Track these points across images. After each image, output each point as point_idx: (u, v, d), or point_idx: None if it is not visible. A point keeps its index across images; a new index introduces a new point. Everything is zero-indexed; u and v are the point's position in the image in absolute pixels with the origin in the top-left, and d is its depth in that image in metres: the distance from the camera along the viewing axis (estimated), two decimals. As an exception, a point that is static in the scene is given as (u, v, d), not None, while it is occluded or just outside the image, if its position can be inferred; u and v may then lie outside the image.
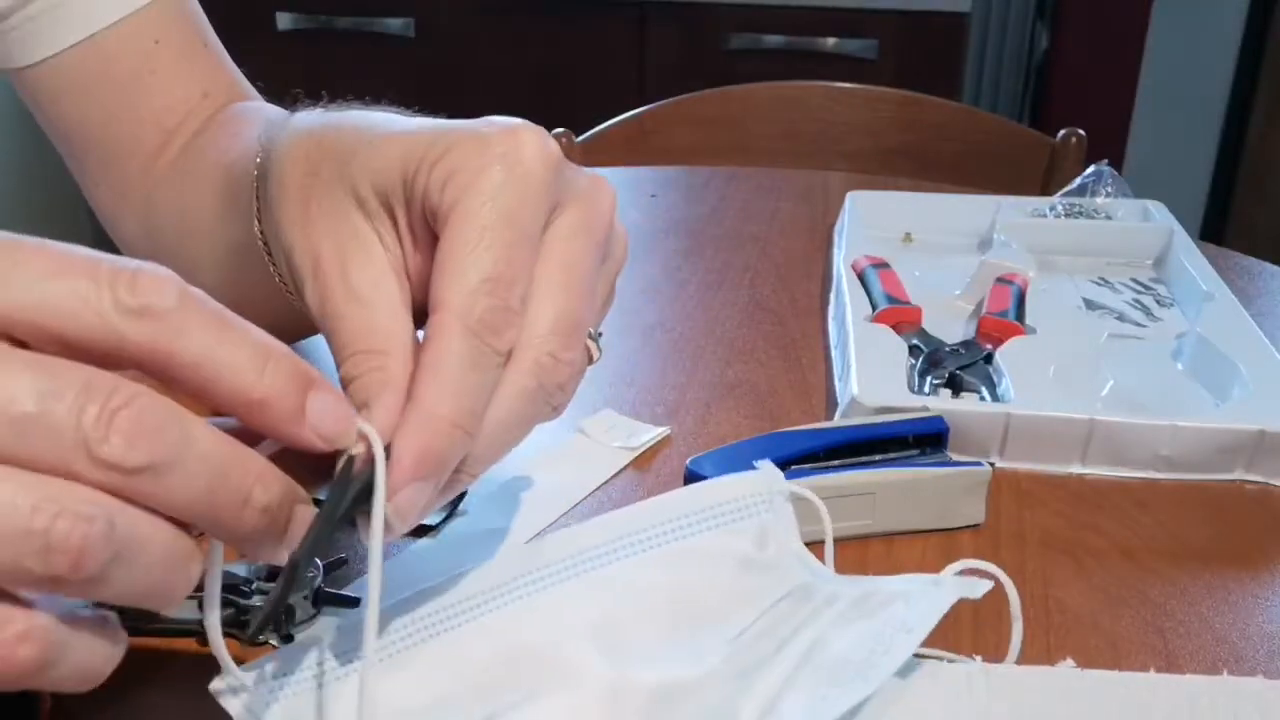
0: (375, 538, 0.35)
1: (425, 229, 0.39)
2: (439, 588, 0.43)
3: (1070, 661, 0.45)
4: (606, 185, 0.41)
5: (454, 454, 0.36)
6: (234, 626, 0.45)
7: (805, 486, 0.51)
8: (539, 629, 0.42)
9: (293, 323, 0.55)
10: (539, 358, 0.38)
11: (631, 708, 0.40)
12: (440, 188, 0.38)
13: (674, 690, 0.40)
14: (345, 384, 0.38)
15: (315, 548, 0.34)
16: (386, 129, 0.41)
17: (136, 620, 0.43)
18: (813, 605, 0.43)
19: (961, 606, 0.42)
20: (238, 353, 0.31)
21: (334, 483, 0.35)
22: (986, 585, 0.42)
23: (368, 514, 0.35)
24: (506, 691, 0.40)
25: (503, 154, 0.38)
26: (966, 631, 0.48)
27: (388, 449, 0.35)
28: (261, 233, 0.48)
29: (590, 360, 0.41)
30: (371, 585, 0.35)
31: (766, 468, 0.46)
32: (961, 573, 0.44)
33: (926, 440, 0.57)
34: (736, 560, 0.45)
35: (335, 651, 0.40)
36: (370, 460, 0.35)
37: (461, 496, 0.53)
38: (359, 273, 0.39)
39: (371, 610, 0.35)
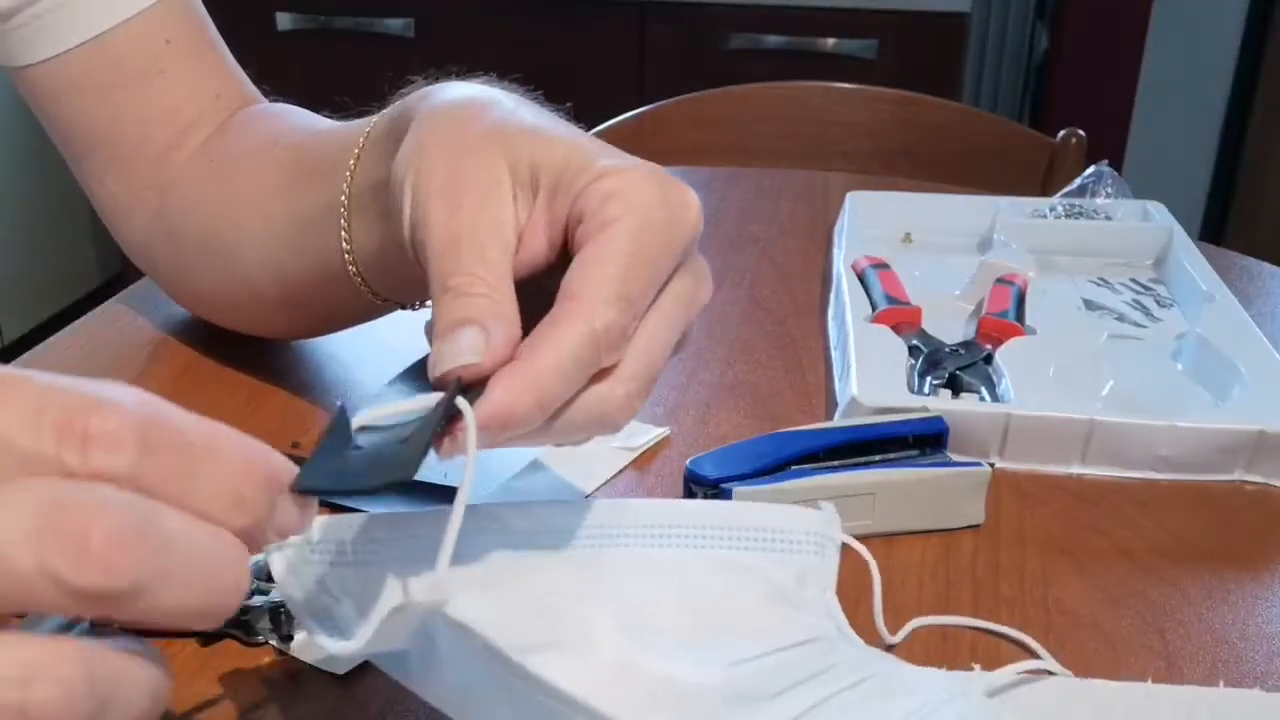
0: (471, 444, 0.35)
1: (557, 224, 0.40)
2: (503, 517, 0.42)
3: (1068, 672, 0.45)
4: (711, 279, 0.43)
5: (521, 428, 0.36)
6: (233, 627, 0.45)
7: (808, 486, 0.51)
8: (577, 584, 0.42)
9: (344, 303, 0.57)
10: (616, 391, 0.38)
11: (638, 691, 0.39)
12: (602, 197, 0.39)
13: (675, 687, 0.40)
14: (447, 292, 0.38)
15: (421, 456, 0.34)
16: (555, 123, 0.43)
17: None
18: (826, 663, 0.42)
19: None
20: (212, 495, 0.28)
21: (438, 406, 0.35)
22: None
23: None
24: (527, 631, 0.40)
25: (671, 202, 0.40)
26: (965, 643, 0.48)
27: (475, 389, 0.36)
28: (346, 195, 0.51)
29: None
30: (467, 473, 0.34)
31: (829, 511, 0.45)
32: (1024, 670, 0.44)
33: (926, 440, 0.57)
34: (772, 588, 0.45)
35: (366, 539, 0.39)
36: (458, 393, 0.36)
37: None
38: (494, 210, 0.40)
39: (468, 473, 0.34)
